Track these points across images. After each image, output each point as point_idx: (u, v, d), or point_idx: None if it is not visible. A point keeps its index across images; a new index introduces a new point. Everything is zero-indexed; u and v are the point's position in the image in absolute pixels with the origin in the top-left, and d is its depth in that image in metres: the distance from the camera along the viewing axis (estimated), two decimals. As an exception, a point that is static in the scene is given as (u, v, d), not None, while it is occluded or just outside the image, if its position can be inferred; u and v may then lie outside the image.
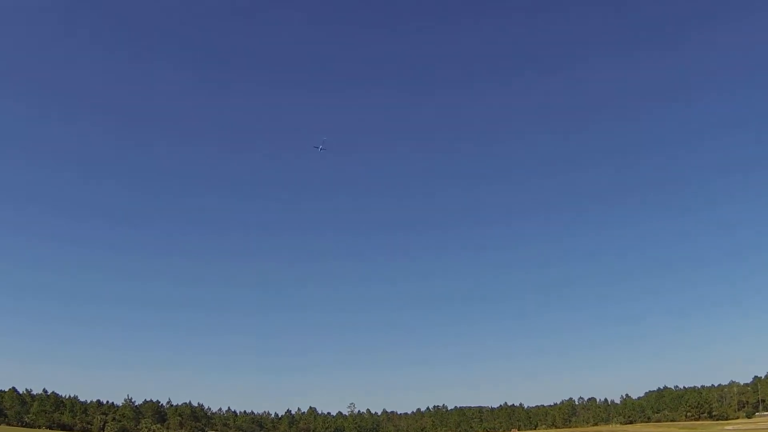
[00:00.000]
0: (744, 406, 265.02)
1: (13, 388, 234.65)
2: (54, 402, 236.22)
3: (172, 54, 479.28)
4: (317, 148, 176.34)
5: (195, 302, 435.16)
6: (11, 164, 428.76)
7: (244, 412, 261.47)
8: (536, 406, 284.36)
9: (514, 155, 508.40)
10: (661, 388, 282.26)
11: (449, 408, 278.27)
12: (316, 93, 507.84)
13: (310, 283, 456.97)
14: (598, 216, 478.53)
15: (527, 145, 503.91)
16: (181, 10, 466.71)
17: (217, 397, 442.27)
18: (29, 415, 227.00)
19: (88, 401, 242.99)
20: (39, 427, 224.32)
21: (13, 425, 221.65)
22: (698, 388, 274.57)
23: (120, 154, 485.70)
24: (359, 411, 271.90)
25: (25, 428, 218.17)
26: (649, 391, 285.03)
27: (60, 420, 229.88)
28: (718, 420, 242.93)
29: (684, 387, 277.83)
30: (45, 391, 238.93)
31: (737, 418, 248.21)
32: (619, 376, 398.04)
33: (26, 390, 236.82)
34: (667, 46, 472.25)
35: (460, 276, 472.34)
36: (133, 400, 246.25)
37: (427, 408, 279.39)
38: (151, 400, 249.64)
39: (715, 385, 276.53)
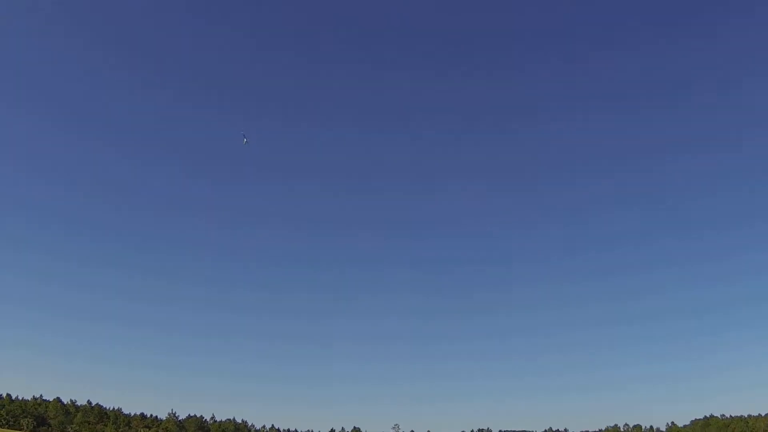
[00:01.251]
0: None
1: (58, 398, 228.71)
2: (98, 413, 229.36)
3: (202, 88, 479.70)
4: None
5: (239, 325, 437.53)
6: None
7: (288, 429, 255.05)
8: (581, 431, 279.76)
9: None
10: (708, 416, 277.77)
11: (494, 431, 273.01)
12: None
13: (350, 309, 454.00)
14: (647, 248, 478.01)
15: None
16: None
17: (261, 414, 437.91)
18: (73, 426, 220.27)
19: (132, 414, 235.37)
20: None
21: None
22: (745, 418, 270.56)
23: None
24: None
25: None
26: (696, 419, 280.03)
27: (103, 431, 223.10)
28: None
29: (731, 416, 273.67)
30: (89, 402, 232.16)
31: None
32: (665, 404, 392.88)
33: (71, 401, 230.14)
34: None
35: (507, 303, 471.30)
36: (176, 415, 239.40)
37: (472, 430, 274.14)
38: (195, 415, 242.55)
39: (762, 414, 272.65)
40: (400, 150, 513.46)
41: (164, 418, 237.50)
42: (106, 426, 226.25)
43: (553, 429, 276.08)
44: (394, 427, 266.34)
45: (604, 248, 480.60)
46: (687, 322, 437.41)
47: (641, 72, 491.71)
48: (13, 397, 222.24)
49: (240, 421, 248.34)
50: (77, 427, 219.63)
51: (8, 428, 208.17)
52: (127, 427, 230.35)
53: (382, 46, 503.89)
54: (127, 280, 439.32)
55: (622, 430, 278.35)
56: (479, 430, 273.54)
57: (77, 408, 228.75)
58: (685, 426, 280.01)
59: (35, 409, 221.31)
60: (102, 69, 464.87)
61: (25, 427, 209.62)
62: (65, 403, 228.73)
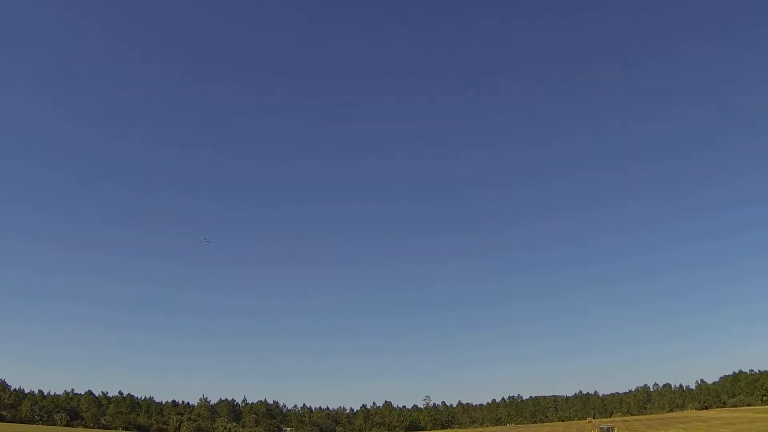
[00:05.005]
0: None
1: (89, 391, 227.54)
2: (129, 403, 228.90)
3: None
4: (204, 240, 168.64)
5: (266, 309, 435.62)
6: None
7: (320, 408, 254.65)
8: (611, 393, 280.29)
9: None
10: (737, 372, 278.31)
11: (524, 398, 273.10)
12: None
13: (382, 287, 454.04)
14: (664, 197, 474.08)
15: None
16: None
17: (293, 395, 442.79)
18: (106, 417, 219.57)
19: (164, 402, 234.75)
20: (115, 428, 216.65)
21: (90, 427, 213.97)
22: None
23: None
24: (434, 404, 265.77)
25: (101, 430, 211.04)
26: (725, 376, 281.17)
27: (136, 421, 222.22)
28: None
29: (759, 371, 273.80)
30: (120, 393, 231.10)
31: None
32: (694, 362, 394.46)
33: (102, 393, 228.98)
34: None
35: (529, 271, 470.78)
36: (208, 400, 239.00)
37: (503, 399, 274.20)
38: (227, 399, 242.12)
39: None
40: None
41: (196, 404, 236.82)
42: (139, 415, 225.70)
43: (583, 392, 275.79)
44: (425, 399, 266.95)
45: (624, 200, 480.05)
46: (711, 274, 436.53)
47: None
48: (45, 393, 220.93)
49: (272, 402, 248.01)
50: (110, 419, 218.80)
51: (42, 424, 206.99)
52: (160, 415, 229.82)
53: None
54: (148, 266, 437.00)
55: (651, 389, 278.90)
56: (510, 397, 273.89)
57: (109, 400, 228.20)
58: (714, 383, 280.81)
59: (68, 403, 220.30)
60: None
61: (59, 422, 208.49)
62: (97, 395, 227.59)
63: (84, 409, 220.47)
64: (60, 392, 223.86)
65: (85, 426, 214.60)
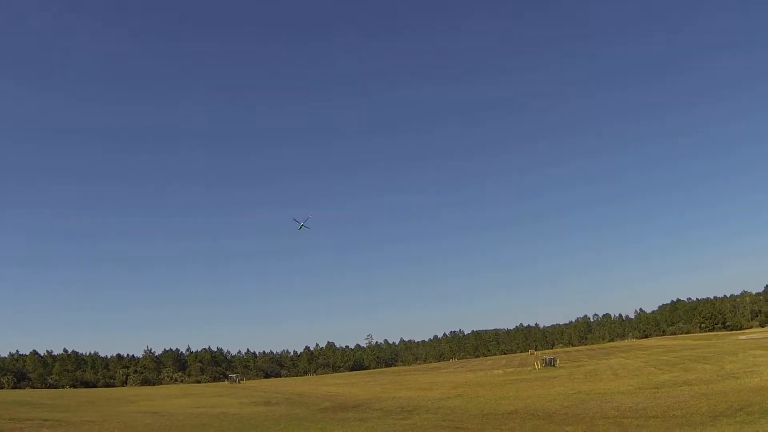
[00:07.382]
0: (757, 315, 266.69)
1: (34, 351, 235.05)
2: (75, 360, 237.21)
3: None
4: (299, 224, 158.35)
5: (203, 256, 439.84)
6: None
7: (263, 352, 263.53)
8: (552, 325, 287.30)
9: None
10: (675, 300, 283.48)
11: (466, 333, 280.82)
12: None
13: (319, 227, 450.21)
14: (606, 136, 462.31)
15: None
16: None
17: (236, 341, 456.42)
18: (52, 376, 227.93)
19: (109, 356, 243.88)
20: (63, 387, 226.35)
21: (37, 388, 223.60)
22: (711, 300, 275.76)
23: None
24: (377, 342, 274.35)
25: (49, 389, 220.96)
26: (663, 305, 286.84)
27: (83, 377, 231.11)
28: (732, 330, 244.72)
29: (697, 299, 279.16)
30: (65, 350, 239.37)
31: (751, 327, 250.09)
32: (632, 292, 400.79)
33: (47, 351, 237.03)
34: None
35: (468, 204, 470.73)
36: (153, 351, 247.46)
37: (444, 334, 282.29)
38: (171, 350, 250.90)
39: (728, 295, 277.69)
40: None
41: (141, 356, 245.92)
42: (85, 372, 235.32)
43: (524, 325, 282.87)
44: (367, 338, 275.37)
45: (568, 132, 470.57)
46: (649, 213, 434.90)
47: None
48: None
49: (216, 350, 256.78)
50: (57, 377, 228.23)
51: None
52: (106, 370, 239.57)
53: None
54: (79, 219, 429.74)
55: (591, 320, 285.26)
56: (451, 332, 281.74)
57: (54, 358, 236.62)
58: (653, 312, 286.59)
59: (13, 365, 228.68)
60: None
61: (6, 385, 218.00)
62: (42, 354, 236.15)
63: (30, 370, 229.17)
64: (5, 354, 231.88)
65: (33, 387, 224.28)
